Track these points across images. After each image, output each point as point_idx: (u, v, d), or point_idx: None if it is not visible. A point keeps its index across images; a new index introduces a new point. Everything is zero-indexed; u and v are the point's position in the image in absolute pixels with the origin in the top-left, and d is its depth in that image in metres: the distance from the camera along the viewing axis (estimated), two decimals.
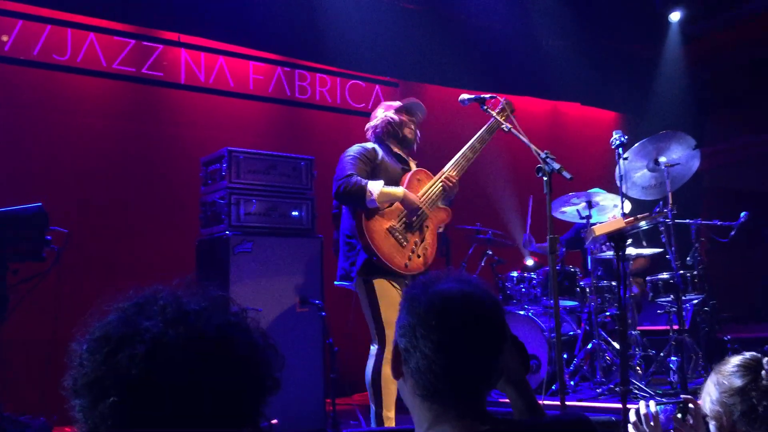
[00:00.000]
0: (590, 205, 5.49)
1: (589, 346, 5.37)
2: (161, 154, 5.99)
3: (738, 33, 8.70)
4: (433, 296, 1.38)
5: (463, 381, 1.36)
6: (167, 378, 0.92)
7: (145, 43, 6.01)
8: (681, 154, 5.23)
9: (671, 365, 5.06)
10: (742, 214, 5.38)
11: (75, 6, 5.51)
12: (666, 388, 4.93)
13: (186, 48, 6.20)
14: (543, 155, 3.56)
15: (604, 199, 5.52)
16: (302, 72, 6.90)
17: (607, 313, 5.61)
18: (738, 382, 1.88)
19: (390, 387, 3.85)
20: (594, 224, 5.17)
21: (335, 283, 4.20)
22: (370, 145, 4.17)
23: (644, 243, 5.60)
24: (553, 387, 5.09)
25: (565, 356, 5.47)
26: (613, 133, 5.01)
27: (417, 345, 1.35)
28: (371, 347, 3.98)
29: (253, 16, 5.99)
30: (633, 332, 5.35)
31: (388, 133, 4.22)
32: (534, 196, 6.29)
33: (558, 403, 3.51)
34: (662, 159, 5.21)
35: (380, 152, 4.14)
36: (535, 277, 5.80)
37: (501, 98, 4.30)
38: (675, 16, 8.53)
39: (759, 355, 1.94)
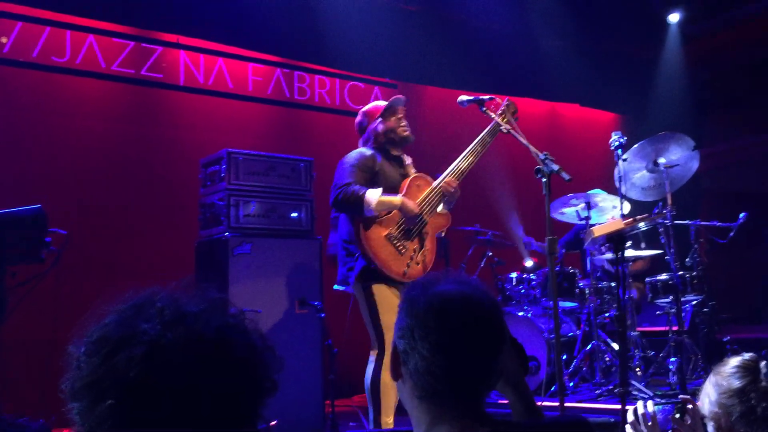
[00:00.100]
0: (589, 206, 5.48)
1: (589, 347, 5.37)
2: (160, 156, 5.99)
3: (737, 34, 8.70)
4: (431, 297, 1.38)
5: (462, 382, 1.36)
6: (165, 380, 0.92)
7: (144, 44, 6.02)
8: (680, 155, 5.23)
9: (670, 366, 5.05)
10: (741, 215, 5.38)
11: (74, 8, 5.51)
12: (665, 389, 4.93)
13: (185, 50, 6.20)
14: (542, 156, 3.55)
15: (604, 200, 5.52)
16: (301, 73, 6.91)
17: (607, 315, 5.61)
18: (737, 384, 1.88)
19: (389, 393, 3.84)
20: (593, 225, 5.17)
21: (334, 287, 4.20)
22: (368, 152, 4.13)
23: (643, 244, 5.61)
24: (553, 388, 5.09)
25: (564, 357, 5.47)
26: (612, 134, 5.01)
27: (416, 346, 1.35)
28: (371, 353, 3.97)
29: (251, 17, 5.99)
30: (632, 333, 5.35)
31: (385, 139, 4.18)
32: (530, 199, 6.29)
33: (557, 404, 3.51)
34: (661, 160, 5.21)
35: (379, 159, 4.12)
36: (534, 278, 5.80)
37: (503, 99, 4.27)
38: (674, 17, 8.54)
39: (756, 356, 1.94)
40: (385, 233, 3.95)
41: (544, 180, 3.53)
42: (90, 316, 1.02)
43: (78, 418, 0.96)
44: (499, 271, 6.09)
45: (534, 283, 5.77)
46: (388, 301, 3.89)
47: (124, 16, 5.73)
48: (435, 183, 4.15)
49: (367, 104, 4.26)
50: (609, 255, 5.28)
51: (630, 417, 2.12)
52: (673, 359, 5.03)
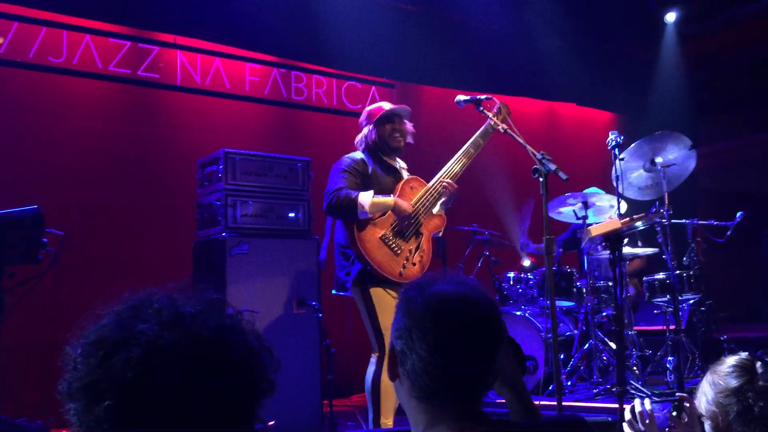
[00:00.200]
0: (587, 205, 5.49)
1: (586, 346, 5.38)
2: (157, 156, 5.98)
3: (735, 34, 8.72)
4: (428, 298, 1.38)
5: (460, 382, 1.36)
6: (162, 381, 0.92)
7: (140, 45, 6.01)
8: (677, 155, 5.24)
9: (668, 365, 5.06)
10: (738, 213, 5.39)
11: (70, 8, 5.51)
12: (663, 388, 4.94)
13: (182, 50, 6.20)
14: (539, 156, 3.56)
15: (601, 199, 5.53)
16: (298, 73, 6.90)
17: (604, 314, 5.62)
18: (734, 383, 1.88)
19: (389, 395, 3.85)
20: (590, 225, 5.18)
21: (332, 292, 4.20)
22: (359, 156, 4.14)
23: (640, 243, 5.62)
24: (550, 387, 5.10)
25: (561, 357, 5.47)
26: (610, 133, 5.02)
27: (413, 347, 1.35)
28: (372, 355, 3.98)
29: (249, 17, 5.99)
30: (630, 332, 5.36)
31: (375, 146, 4.18)
32: (528, 196, 6.29)
33: (555, 403, 3.51)
34: (658, 159, 5.22)
35: (369, 163, 4.12)
36: (531, 277, 5.81)
37: (496, 100, 4.28)
38: (671, 17, 8.55)
39: (754, 355, 1.95)
40: (380, 235, 3.95)
41: (541, 179, 3.53)
42: (87, 317, 1.02)
43: (75, 419, 0.96)
44: (496, 271, 6.10)
45: (531, 282, 5.77)
46: (386, 303, 3.89)
47: (120, 16, 5.72)
48: (429, 184, 4.15)
49: (363, 104, 4.27)
50: (606, 254, 5.29)
51: (627, 415, 2.13)
52: (670, 358, 5.04)
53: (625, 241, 5.29)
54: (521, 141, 3.74)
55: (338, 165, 4.09)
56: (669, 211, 4.98)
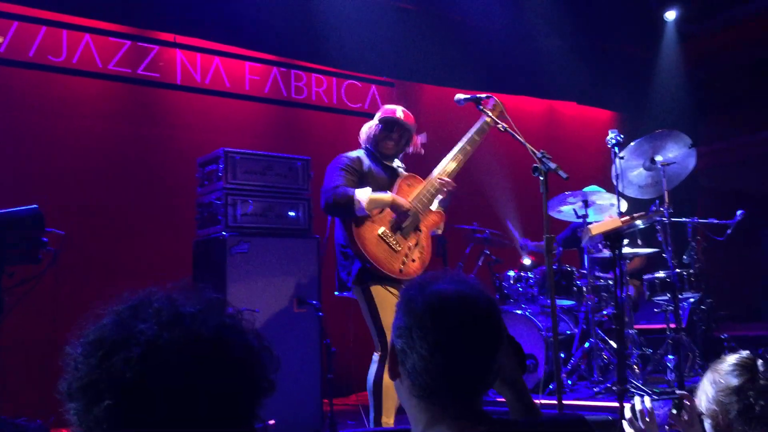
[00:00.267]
0: (587, 204, 5.49)
1: (586, 345, 5.38)
2: (157, 155, 5.98)
3: (734, 33, 8.72)
4: (429, 297, 1.38)
5: (460, 381, 1.36)
6: (162, 381, 0.92)
7: (140, 44, 6.01)
8: (677, 153, 5.24)
9: (668, 364, 5.07)
10: (738, 212, 5.39)
11: (70, 7, 5.50)
12: (663, 386, 4.94)
13: (182, 49, 6.20)
14: (539, 155, 3.56)
15: (601, 198, 5.53)
16: (298, 72, 6.90)
17: (604, 312, 5.62)
18: (734, 382, 1.88)
19: (391, 394, 3.85)
20: (590, 223, 5.18)
21: (335, 293, 4.20)
22: (354, 154, 4.16)
23: (640, 242, 5.61)
24: (551, 386, 5.10)
25: (562, 355, 5.47)
26: (610, 132, 5.03)
27: (413, 346, 1.35)
28: (374, 354, 3.98)
29: (248, 16, 5.98)
30: (630, 331, 5.36)
31: (372, 144, 4.21)
32: (527, 197, 6.30)
33: (555, 402, 3.51)
34: (658, 158, 5.22)
35: (366, 161, 4.14)
36: (532, 276, 5.80)
37: (493, 98, 4.28)
38: (670, 15, 8.55)
39: (754, 354, 1.95)
40: (379, 232, 3.95)
41: (541, 178, 3.53)
42: (87, 316, 1.02)
43: (75, 418, 0.96)
44: (496, 270, 6.10)
45: (532, 281, 5.77)
46: (387, 301, 3.89)
47: (120, 16, 5.72)
48: (426, 181, 4.15)
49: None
50: (606, 252, 5.29)
51: (627, 414, 2.13)
52: (670, 357, 5.04)
53: (626, 240, 5.29)
54: (521, 140, 3.74)
55: (335, 163, 4.11)
56: (669, 209, 4.98)
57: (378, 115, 4.25)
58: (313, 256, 4.85)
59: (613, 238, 3.93)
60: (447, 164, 4.18)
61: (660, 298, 5.30)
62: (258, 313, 4.43)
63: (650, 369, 5.26)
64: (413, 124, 4.25)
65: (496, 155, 6.99)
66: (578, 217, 5.54)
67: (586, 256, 5.60)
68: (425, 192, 4.11)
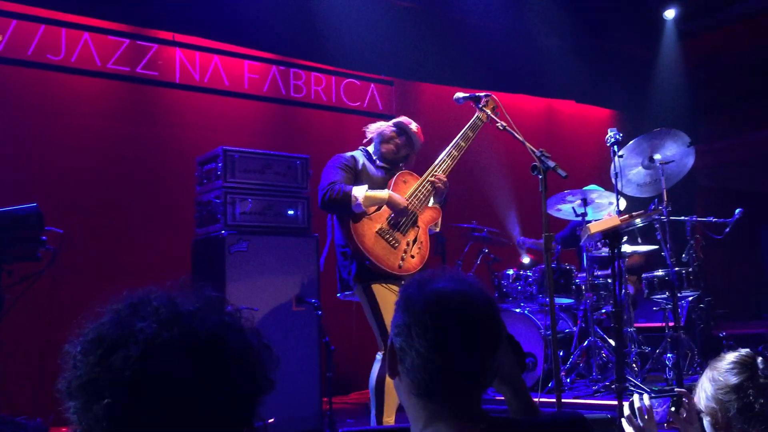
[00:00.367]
0: (586, 202, 5.49)
1: (585, 343, 5.38)
2: (156, 154, 5.97)
3: (734, 32, 8.72)
4: (428, 295, 1.38)
5: (459, 380, 1.36)
6: (161, 379, 0.92)
7: (139, 42, 6.00)
8: (676, 152, 5.24)
9: (667, 362, 5.07)
10: (737, 210, 5.39)
11: (69, 5, 5.50)
12: (662, 384, 4.94)
13: (181, 47, 6.19)
14: (538, 153, 3.56)
15: (600, 196, 5.53)
16: (297, 71, 6.90)
17: (603, 311, 5.62)
18: (734, 380, 1.88)
19: (393, 393, 3.85)
20: (589, 222, 5.18)
21: (338, 295, 4.20)
22: (348, 153, 4.20)
23: (639, 240, 5.62)
24: (550, 384, 5.10)
25: (561, 354, 5.48)
26: (608, 130, 5.02)
27: (412, 344, 1.35)
28: (377, 353, 3.99)
29: (247, 15, 5.98)
30: (629, 329, 5.36)
31: (374, 143, 4.25)
32: (526, 196, 6.30)
33: (554, 400, 3.52)
34: (657, 156, 5.22)
35: (361, 159, 4.17)
36: (531, 274, 5.80)
37: (490, 95, 4.29)
38: (670, 14, 8.55)
39: (753, 351, 1.94)
40: (376, 228, 3.96)
41: (540, 177, 3.53)
42: (86, 315, 1.02)
43: (75, 417, 0.96)
44: (495, 268, 6.10)
45: (530, 279, 5.77)
46: (388, 300, 3.89)
47: (119, 14, 5.71)
48: (422, 178, 4.16)
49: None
50: (605, 251, 5.29)
51: (626, 411, 2.13)
52: (669, 355, 5.04)
53: (624, 238, 5.30)
54: (520, 138, 3.74)
55: (331, 162, 4.15)
56: (668, 208, 4.98)
57: (393, 120, 4.31)
58: (312, 255, 4.85)
59: (611, 236, 3.92)
60: (442, 161, 4.20)
61: (659, 297, 5.31)
62: (257, 311, 4.43)
63: (649, 367, 5.26)
64: (420, 142, 4.30)
65: (495, 154, 6.99)
66: (577, 215, 5.54)
67: (584, 255, 5.60)
68: (421, 188, 4.12)
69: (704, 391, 1.94)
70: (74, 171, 5.50)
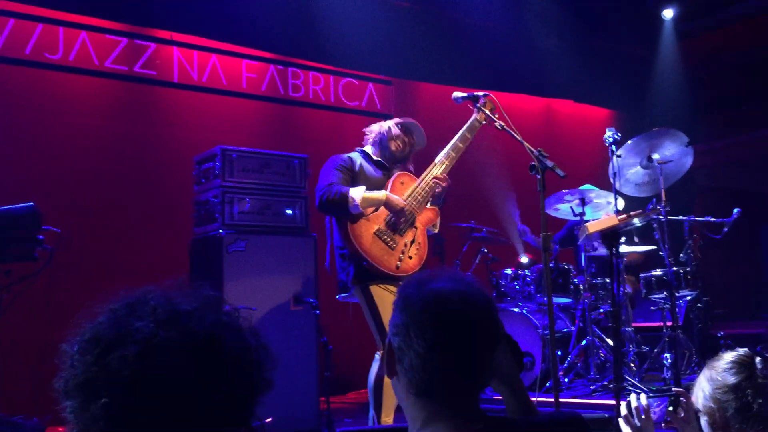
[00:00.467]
0: (584, 202, 5.49)
1: (583, 343, 5.38)
2: (154, 153, 5.97)
3: (732, 32, 8.72)
4: (426, 295, 1.38)
5: (457, 380, 1.36)
6: (158, 379, 0.92)
7: (137, 41, 5.99)
8: (674, 152, 5.24)
9: (665, 362, 5.07)
10: (735, 210, 5.40)
11: (67, 4, 5.49)
12: (660, 384, 4.94)
13: (178, 46, 6.18)
14: (536, 153, 3.56)
15: (598, 196, 5.53)
16: (295, 70, 6.89)
17: (601, 310, 5.62)
18: (732, 380, 1.87)
19: (391, 392, 3.85)
20: (587, 221, 5.18)
21: (337, 297, 4.20)
22: (346, 154, 4.19)
23: (636, 240, 5.61)
24: (547, 384, 5.10)
25: (559, 353, 5.48)
26: (607, 130, 5.03)
27: (410, 344, 1.35)
28: (376, 353, 3.99)
29: (245, 14, 5.97)
30: (627, 329, 5.37)
31: (375, 142, 4.24)
32: (524, 195, 6.30)
33: (552, 400, 3.52)
34: (655, 156, 5.22)
35: (359, 160, 4.16)
36: (529, 274, 5.80)
37: (488, 94, 4.29)
38: (668, 14, 8.56)
39: (751, 351, 1.94)
40: (374, 230, 3.96)
41: (538, 176, 3.53)
42: (84, 314, 1.02)
43: (72, 416, 0.96)
44: (493, 268, 6.10)
45: (529, 279, 5.77)
46: (387, 301, 3.89)
47: (117, 13, 5.71)
48: (419, 179, 4.16)
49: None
50: (603, 250, 5.30)
51: (624, 411, 2.13)
52: (667, 355, 5.04)
53: (622, 238, 5.30)
54: (518, 138, 3.74)
55: (329, 163, 4.14)
56: (666, 207, 4.98)
57: (394, 119, 4.31)
58: (310, 254, 4.85)
59: (610, 236, 3.92)
60: (440, 162, 4.19)
61: (657, 296, 5.31)
62: (255, 310, 4.43)
63: (647, 367, 5.26)
64: (425, 138, 4.31)
65: (493, 153, 6.99)
66: (575, 215, 5.54)
67: (582, 254, 5.61)
68: (419, 189, 4.11)
69: (702, 391, 1.94)
70: (71, 170, 5.49)
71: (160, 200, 5.81)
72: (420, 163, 4.35)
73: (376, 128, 4.29)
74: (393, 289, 3.93)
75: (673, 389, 2.09)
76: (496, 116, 4.11)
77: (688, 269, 5.28)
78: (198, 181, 4.94)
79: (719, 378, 1.90)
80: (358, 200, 3.87)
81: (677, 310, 5.16)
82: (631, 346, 5.32)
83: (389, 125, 4.26)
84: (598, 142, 5.43)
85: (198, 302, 1.02)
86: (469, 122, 4.24)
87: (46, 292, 4.64)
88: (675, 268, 5.17)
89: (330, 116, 7.03)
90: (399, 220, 4.02)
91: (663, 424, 3.23)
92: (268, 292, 4.64)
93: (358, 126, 4.41)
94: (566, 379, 5.32)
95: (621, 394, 3.79)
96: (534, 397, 4.01)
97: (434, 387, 1.35)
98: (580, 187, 5.68)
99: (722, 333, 5.94)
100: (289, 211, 4.89)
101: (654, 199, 5.11)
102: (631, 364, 5.21)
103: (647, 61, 8.77)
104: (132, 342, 0.94)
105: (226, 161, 4.70)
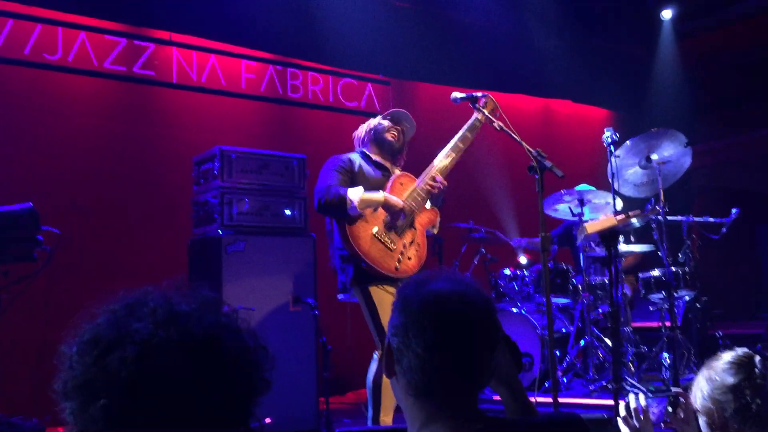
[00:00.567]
0: (582, 202, 5.49)
1: (582, 343, 5.39)
2: (153, 154, 5.96)
3: (731, 32, 8.73)
4: (425, 296, 1.38)
5: (456, 380, 1.36)
6: (158, 380, 0.92)
7: (136, 42, 5.99)
8: (673, 152, 5.25)
9: (663, 362, 5.08)
10: (733, 210, 5.40)
11: (66, 5, 5.49)
12: (658, 384, 4.95)
13: (177, 47, 6.18)
14: (535, 153, 3.56)
15: (596, 196, 5.53)
16: (294, 70, 6.89)
17: (600, 311, 5.63)
18: (730, 380, 1.87)
19: (390, 393, 3.85)
20: (586, 221, 5.19)
21: (338, 297, 4.20)
22: (345, 155, 4.18)
23: (633, 240, 5.62)
24: (546, 384, 5.11)
25: (557, 353, 5.48)
26: (605, 130, 5.03)
27: (409, 344, 1.35)
28: (374, 353, 3.99)
29: (244, 14, 5.97)
30: (625, 329, 5.37)
31: (370, 140, 4.25)
32: (523, 195, 6.30)
33: (551, 400, 3.52)
34: (654, 156, 5.23)
35: (358, 161, 4.15)
36: (527, 274, 5.81)
37: (488, 95, 4.28)
38: (667, 14, 8.57)
39: (750, 351, 1.94)
40: (373, 231, 3.95)
41: (537, 176, 3.53)
42: (83, 315, 1.02)
43: (71, 418, 0.96)
44: (492, 268, 6.10)
45: (527, 279, 5.78)
46: (386, 301, 3.89)
47: (116, 13, 5.70)
48: (419, 180, 4.16)
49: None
50: (599, 250, 5.30)
51: (622, 411, 2.13)
52: (665, 355, 5.05)
53: (621, 238, 5.30)
54: (517, 138, 3.74)
55: (328, 164, 4.14)
56: (664, 208, 4.99)
57: (380, 117, 4.32)
58: (309, 255, 4.85)
59: (608, 236, 3.93)
60: (439, 162, 4.17)
61: (655, 296, 5.31)
62: (254, 311, 4.43)
63: (645, 367, 5.27)
64: (414, 124, 4.33)
65: (492, 154, 6.99)
66: (574, 215, 5.54)
67: (581, 255, 5.61)
68: (419, 190, 4.11)
69: (701, 391, 1.94)
70: (71, 170, 5.49)
71: (159, 200, 5.81)
72: (420, 164, 4.35)
73: (363, 128, 4.30)
74: (392, 290, 3.92)
75: (671, 389, 2.09)
76: (497, 116, 4.10)
77: (686, 269, 5.29)
78: (197, 182, 4.94)
79: (718, 378, 1.90)
80: (356, 201, 3.87)
81: (676, 310, 5.17)
82: (629, 346, 5.33)
83: (377, 120, 4.28)
84: (596, 143, 5.43)
85: (197, 303, 1.02)
86: (469, 122, 4.24)
87: (46, 292, 4.64)
88: (674, 269, 5.18)
89: (329, 117, 7.02)
90: (398, 220, 4.02)
91: (662, 425, 3.23)
92: (266, 292, 4.64)
93: (357, 126, 4.41)
94: (565, 380, 5.32)
95: (620, 394, 3.80)
96: (533, 397, 4.01)
97: (433, 387, 1.35)
98: (577, 187, 5.68)
99: (721, 333, 5.94)
100: (287, 212, 4.89)
101: (652, 200, 5.12)
102: (630, 365, 5.21)
103: (646, 61, 8.78)
104: (131, 343, 0.94)
105: (225, 162, 4.70)
